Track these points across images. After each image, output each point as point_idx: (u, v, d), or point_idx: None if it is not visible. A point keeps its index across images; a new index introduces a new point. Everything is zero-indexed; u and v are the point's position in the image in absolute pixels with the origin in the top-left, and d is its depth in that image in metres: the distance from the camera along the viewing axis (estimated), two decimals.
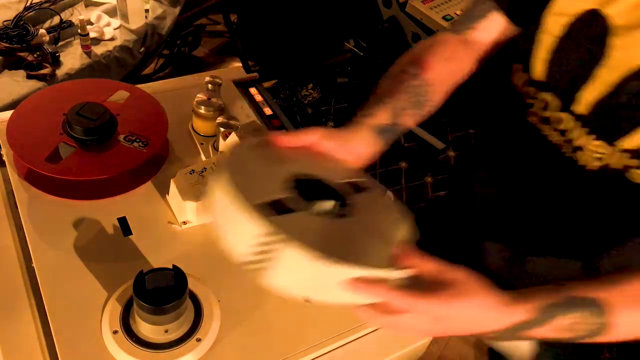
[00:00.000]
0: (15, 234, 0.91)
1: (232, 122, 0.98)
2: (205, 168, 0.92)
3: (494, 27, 0.83)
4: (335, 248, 0.57)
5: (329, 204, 0.66)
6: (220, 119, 0.99)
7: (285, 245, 0.53)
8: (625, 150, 0.73)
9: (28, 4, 1.80)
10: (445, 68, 0.84)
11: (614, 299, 0.62)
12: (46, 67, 1.67)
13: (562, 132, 0.79)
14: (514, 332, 0.61)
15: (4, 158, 0.98)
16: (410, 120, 0.80)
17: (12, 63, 1.68)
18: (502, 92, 0.90)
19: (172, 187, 0.91)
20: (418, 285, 0.59)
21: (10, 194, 0.95)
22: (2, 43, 1.68)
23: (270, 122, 1.14)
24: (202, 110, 1.02)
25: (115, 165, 0.93)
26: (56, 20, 1.84)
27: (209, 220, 0.90)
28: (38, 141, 0.94)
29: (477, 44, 0.85)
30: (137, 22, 1.93)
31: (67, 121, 0.95)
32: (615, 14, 0.70)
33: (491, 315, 0.59)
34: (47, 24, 1.83)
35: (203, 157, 1.03)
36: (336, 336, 0.82)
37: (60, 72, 1.71)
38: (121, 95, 1.05)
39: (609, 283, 0.63)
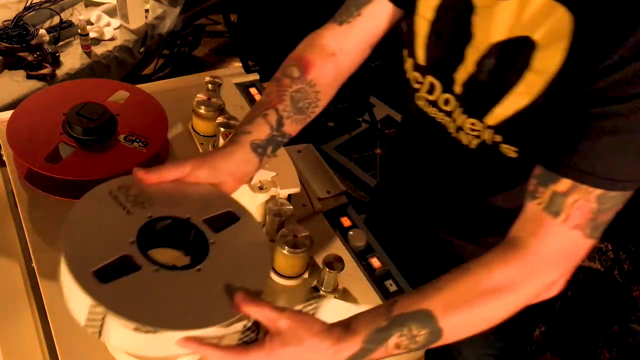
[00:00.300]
0: (15, 234, 0.91)
1: (232, 122, 0.98)
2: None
3: (379, 11, 0.81)
4: (170, 307, 0.64)
5: (174, 255, 0.71)
6: (220, 119, 0.99)
7: (108, 317, 0.61)
8: (490, 127, 0.75)
9: (28, 4, 1.80)
10: (330, 64, 0.83)
11: (436, 307, 0.64)
12: (46, 67, 1.67)
13: (449, 113, 0.80)
14: None
15: (4, 158, 0.98)
16: (294, 127, 0.80)
17: (12, 63, 1.68)
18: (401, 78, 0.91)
19: None
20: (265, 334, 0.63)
21: (10, 194, 0.95)
22: (2, 43, 1.68)
23: None
24: (202, 110, 1.02)
25: (115, 165, 0.93)
26: (56, 20, 1.84)
27: None
28: (38, 141, 0.94)
29: (363, 31, 0.83)
30: (137, 22, 1.93)
31: (67, 121, 0.95)
32: None
33: (325, 356, 0.63)
34: (47, 24, 1.83)
35: None
36: None
37: (60, 72, 1.70)
38: (121, 95, 1.05)
39: (432, 291, 0.66)
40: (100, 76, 1.81)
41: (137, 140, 0.97)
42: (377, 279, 0.90)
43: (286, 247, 0.82)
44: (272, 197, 0.91)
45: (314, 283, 0.87)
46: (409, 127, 0.96)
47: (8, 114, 0.98)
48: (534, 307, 0.70)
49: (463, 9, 0.72)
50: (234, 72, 1.25)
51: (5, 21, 1.74)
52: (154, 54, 2.12)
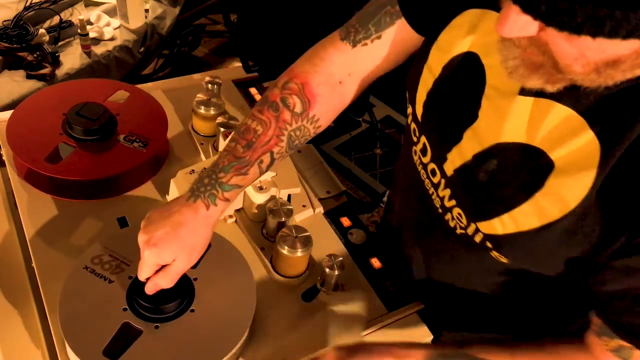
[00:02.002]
0: (15, 234, 0.91)
1: (232, 122, 0.98)
2: (205, 168, 0.92)
3: (401, 38, 0.70)
4: (180, 356, 0.71)
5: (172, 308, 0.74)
6: (220, 119, 0.99)
7: None
8: (482, 232, 0.65)
9: (28, 4, 1.80)
10: (336, 96, 0.74)
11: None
12: (46, 67, 1.67)
13: (436, 188, 0.71)
14: None
15: (4, 158, 0.98)
16: (270, 164, 0.73)
17: (12, 63, 1.68)
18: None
19: (172, 187, 0.91)
20: None
21: (10, 194, 0.95)
22: (1, 43, 1.68)
23: None
24: (202, 110, 1.02)
25: (115, 165, 0.93)
26: (56, 20, 1.84)
27: None
28: (38, 141, 0.94)
29: (380, 57, 0.72)
30: (136, 22, 1.93)
31: (67, 121, 0.95)
32: (490, 66, 0.60)
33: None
34: (47, 24, 1.83)
35: (203, 157, 1.03)
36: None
37: (60, 72, 1.70)
38: (121, 95, 1.05)
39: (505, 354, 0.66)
40: (100, 76, 1.81)
41: (137, 140, 0.97)
42: (377, 279, 0.90)
43: (286, 247, 0.82)
44: (272, 197, 0.91)
45: (314, 283, 0.87)
46: (402, 173, 0.84)
47: (8, 114, 0.98)
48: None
49: (475, 79, 0.61)
50: (234, 72, 1.25)
51: (5, 21, 1.74)
52: (153, 54, 2.12)
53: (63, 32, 1.82)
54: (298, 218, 0.96)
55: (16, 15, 1.76)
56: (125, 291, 0.75)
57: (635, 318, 0.58)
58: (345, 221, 0.98)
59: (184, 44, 2.61)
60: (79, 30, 1.77)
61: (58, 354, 0.75)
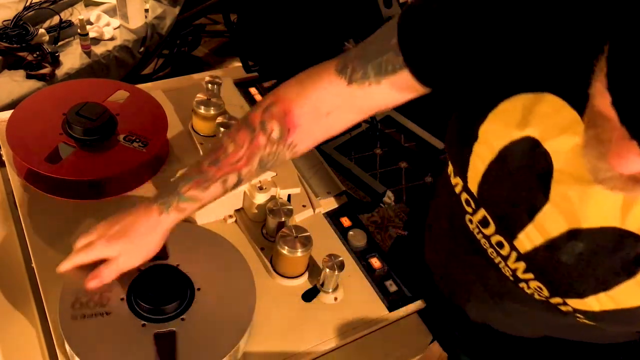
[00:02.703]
0: (15, 234, 0.91)
1: (232, 122, 0.98)
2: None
3: (402, 86, 0.65)
4: None
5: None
6: (220, 119, 0.99)
7: None
8: (570, 305, 0.62)
9: (28, 3, 1.80)
10: (319, 128, 0.71)
11: None
12: (46, 67, 1.67)
13: (505, 258, 0.67)
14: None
15: (4, 158, 0.98)
16: (237, 183, 0.72)
17: (12, 63, 1.68)
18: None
19: None
20: None
21: (10, 194, 0.95)
22: (1, 43, 1.68)
23: None
24: (202, 110, 1.02)
25: (115, 165, 0.93)
26: (56, 20, 1.84)
27: (209, 220, 0.91)
28: (38, 141, 0.94)
29: (375, 100, 0.68)
30: (136, 22, 1.93)
31: (67, 121, 0.95)
32: (555, 151, 0.56)
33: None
34: (46, 24, 1.83)
35: None
36: (336, 336, 0.82)
37: (60, 72, 1.70)
38: (121, 95, 1.05)
39: None
40: (100, 76, 1.81)
41: (137, 140, 0.97)
42: (377, 279, 0.90)
43: (286, 247, 0.82)
44: (272, 197, 0.91)
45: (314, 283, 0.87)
46: (448, 237, 0.79)
47: (8, 114, 0.98)
48: None
49: (537, 167, 0.58)
50: (234, 72, 1.25)
51: (5, 21, 1.74)
52: (153, 53, 2.12)
53: (63, 32, 1.82)
54: (298, 218, 0.96)
55: (16, 15, 1.76)
56: (125, 291, 0.75)
57: None
58: (346, 221, 0.98)
59: (184, 44, 2.60)
60: (79, 30, 1.77)
61: (58, 354, 0.75)
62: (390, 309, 0.86)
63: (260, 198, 0.89)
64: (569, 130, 0.54)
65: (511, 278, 0.68)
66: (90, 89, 1.07)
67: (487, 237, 0.67)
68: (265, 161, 0.70)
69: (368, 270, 0.91)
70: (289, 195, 0.94)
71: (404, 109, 2.53)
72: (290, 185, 0.93)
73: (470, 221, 0.70)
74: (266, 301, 0.83)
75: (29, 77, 1.65)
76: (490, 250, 0.68)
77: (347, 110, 0.70)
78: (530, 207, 0.60)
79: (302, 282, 0.87)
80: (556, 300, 0.63)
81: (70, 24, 1.85)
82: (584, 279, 0.58)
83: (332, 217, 0.98)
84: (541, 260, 0.61)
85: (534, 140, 0.57)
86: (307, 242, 0.83)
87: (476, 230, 0.69)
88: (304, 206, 0.97)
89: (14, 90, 1.59)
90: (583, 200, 0.56)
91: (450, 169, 0.69)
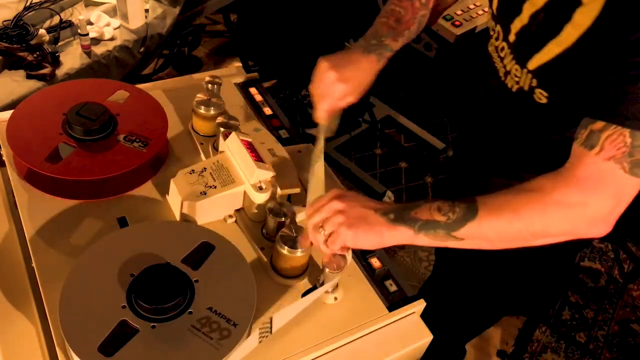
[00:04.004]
0: (15, 234, 0.91)
1: (232, 122, 0.98)
2: (205, 168, 0.92)
3: None
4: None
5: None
6: (220, 119, 0.99)
7: None
8: (529, 71, 0.85)
9: (28, 3, 1.79)
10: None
11: (478, 197, 0.74)
12: (46, 67, 1.67)
13: (502, 59, 0.91)
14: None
15: (4, 158, 0.98)
16: (406, 40, 0.97)
17: (12, 63, 1.68)
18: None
19: (172, 187, 0.91)
20: None
21: (10, 194, 0.95)
22: (1, 43, 1.68)
23: (270, 122, 1.14)
24: (202, 110, 1.02)
25: (115, 165, 0.93)
26: (56, 20, 1.84)
27: (209, 220, 0.91)
28: (38, 141, 0.94)
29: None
30: (136, 22, 1.93)
31: (67, 121, 0.95)
32: None
33: (370, 206, 0.78)
34: (47, 24, 1.83)
35: (203, 157, 1.03)
36: (336, 336, 0.82)
37: (60, 72, 1.70)
38: (121, 95, 1.05)
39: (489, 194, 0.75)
40: (100, 76, 1.81)
41: (137, 140, 0.97)
42: (377, 279, 0.90)
43: (286, 247, 0.82)
44: (272, 197, 0.91)
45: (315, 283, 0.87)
46: (476, 73, 1.07)
47: (8, 114, 0.98)
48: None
49: None
50: (234, 72, 1.25)
51: (5, 21, 1.74)
52: (153, 54, 2.11)
53: (63, 32, 1.82)
54: (298, 218, 0.96)
55: (16, 15, 1.75)
56: (125, 291, 0.75)
57: (611, 91, 0.70)
58: None
59: (184, 44, 2.60)
60: (79, 30, 1.77)
61: (58, 354, 0.75)
62: (390, 309, 0.86)
63: (260, 198, 0.89)
64: None
65: (502, 77, 0.92)
66: (90, 89, 1.07)
67: (497, 49, 0.93)
68: (421, 22, 0.98)
69: (368, 270, 0.91)
70: (289, 195, 0.94)
71: (404, 109, 2.53)
72: (290, 185, 0.93)
73: (491, 45, 0.96)
74: (266, 301, 0.83)
75: (29, 77, 1.65)
76: (497, 60, 0.94)
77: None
78: (520, 2, 0.83)
79: (302, 282, 0.87)
80: (524, 77, 0.87)
81: (70, 24, 1.85)
82: (540, 39, 0.81)
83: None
84: (519, 38, 0.86)
85: None
86: (307, 242, 0.83)
87: (493, 50, 0.95)
88: (304, 206, 0.97)
89: (14, 90, 1.59)
90: None
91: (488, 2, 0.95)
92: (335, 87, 0.90)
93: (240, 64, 2.43)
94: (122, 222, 0.90)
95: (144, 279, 0.76)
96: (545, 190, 0.72)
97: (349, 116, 2.53)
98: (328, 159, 0.95)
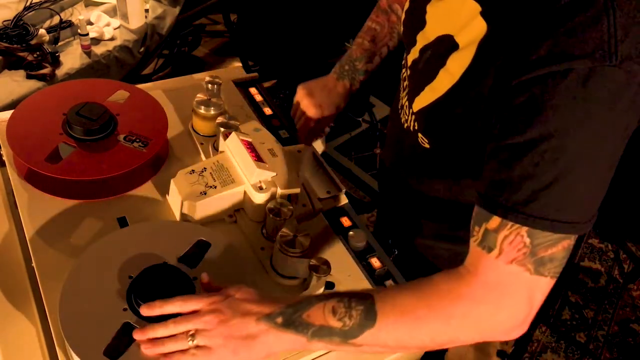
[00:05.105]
0: (15, 234, 0.91)
1: (232, 122, 0.98)
2: (205, 168, 0.92)
3: None
4: None
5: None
6: (220, 119, 0.99)
7: None
8: (414, 113, 0.82)
9: (28, 4, 1.80)
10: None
11: (376, 294, 0.67)
12: (46, 67, 1.67)
13: (404, 89, 0.89)
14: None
15: (4, 158, 0.98)
16: (385, 56, 1.00)
17: (12, 63, 1.68)
18: None
19: (172, 187, 0.91)
20: None
21: (10, 194, 0.95)
22: (1, 43, 1.68)
23: (270, 122, 1.14)
24: (202, 110, 1.02)
25: (115, 165, 0.93)
26: (56, 20, 1.84)
27: (209, 220, 0.91)
28: (38, 141, 0.94)
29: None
30: (136, 22, 1.93)
31: (67, 121, 0.95)
32: None
33: (252, 304, 0.68)
34: (47, 24, 1.83)
35: (203, 157, 1.03)
36: None
37: (60, 72, 1.70)
38: (121, 95, 1.05)
39: (385, 291, 0.71)
40: (100, 76, 1.81)
41: (137, 140, 0.97)
42: (377, 279, 0.90)
43: (286, 247, 0.82)
44: (272, 197, 0.91)
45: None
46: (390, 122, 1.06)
47: (8, 114, 0.98)
48: None
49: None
50: (234, 72, 1.25)
51: (5, 21, 1.74)
52: (153, 54, 2.12)
53: (63, 32, 1.82)
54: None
55: (16, 15, 1.76)
56: (125, 291, 0.75)
57: (499, 173, 0.62)
58: (346, 221, 0.98)
59: (184, 44, 2.61)
60: (79, 30, 1.77)
61: (58, 354, 0.75)
62: None
63: (260, 198, 0.90)
64: None
65: (402, 118, 0.89)
66: (91, 89, 1.07)
67: (403, 88, 0.89)
68: (397, 39, 0.99)
69: (368, 270, 0.91)
70: (289, 195, 0.94)
71: None
72: (290, 185, 0.93)
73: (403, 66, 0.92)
74: None
75: (29, 77, 1.65)
76: (402, 101, 0.89)
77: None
78: (415, 33, 0.81)
79: (302, 282, 0.87)
80: (410, 116, 0.84)
81: (70, 24, 1.85)
82: (423, 80, 0.77)
83: (332, 217, 0.98)
84: (411, 73, 0.83)
85: None
86: (306, 242, 0.83)
87: (402, 90, 0.90)
88: (304, 206, 0.97)
89: (14, 90, 1.60)
90: (439, 12, 0.75)
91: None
92: (310, 112, 1.01)
93: (240, 64, 2.43)
94: (122, 222, 0.90)
95: (144, 279, 0.76)
96: (451, 296, 0.64)
97: (348, 116, 2.53)
98: (328, 158, 0.96)
